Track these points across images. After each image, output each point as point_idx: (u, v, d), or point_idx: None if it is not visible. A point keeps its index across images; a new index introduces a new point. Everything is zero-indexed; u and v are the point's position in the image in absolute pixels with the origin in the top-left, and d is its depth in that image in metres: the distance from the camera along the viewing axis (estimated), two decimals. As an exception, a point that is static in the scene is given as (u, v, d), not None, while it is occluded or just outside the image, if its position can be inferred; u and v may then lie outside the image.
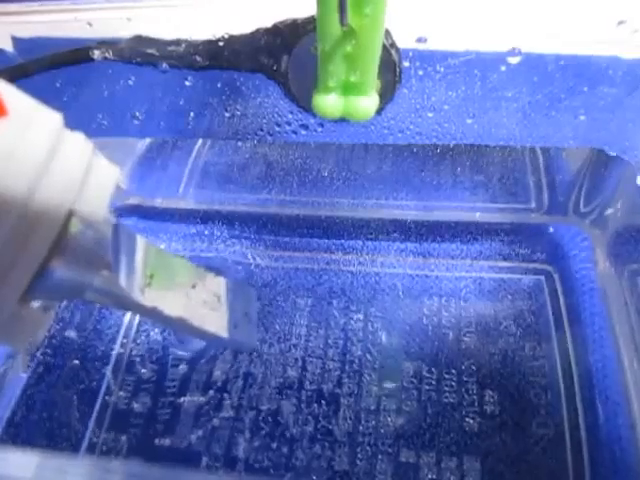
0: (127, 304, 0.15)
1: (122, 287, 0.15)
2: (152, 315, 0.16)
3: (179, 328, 0.17)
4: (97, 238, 0.14)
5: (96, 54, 0.22)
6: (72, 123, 0.13)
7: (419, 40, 0.21)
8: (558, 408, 0.27)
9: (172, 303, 0.16)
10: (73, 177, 0.13)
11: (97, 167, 0.14)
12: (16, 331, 0.13)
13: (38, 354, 0.32)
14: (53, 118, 0.13)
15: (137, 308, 0.16)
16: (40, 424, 0.29)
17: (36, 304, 0.14)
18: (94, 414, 0.29)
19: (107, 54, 0.22)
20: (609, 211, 0.31)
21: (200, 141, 0.41)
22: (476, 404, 0.27)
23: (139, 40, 0.21)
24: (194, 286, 0.18)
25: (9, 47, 0.23)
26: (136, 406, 0.29)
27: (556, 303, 0.31)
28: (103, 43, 0.21)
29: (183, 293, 0.17)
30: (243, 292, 0.20)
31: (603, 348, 0.28)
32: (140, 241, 0.17)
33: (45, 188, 0.12)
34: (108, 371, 0.31)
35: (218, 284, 0.19)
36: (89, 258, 0.14)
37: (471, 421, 0.27)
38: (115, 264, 0.14)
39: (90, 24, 0.21)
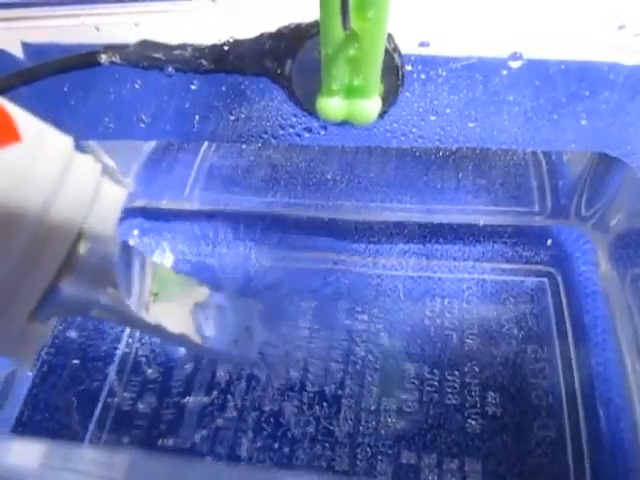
0: (132, 321, 0.16)
1: (127, 304, 0.15)
2: (156, 331, 0.16)
3: (182, 344, 0.17)
4: (105, 257, 0.14)
5: (103, 58, 0.22)
6: (80, 126, 0.14)
7: (422, 44, 0.21)
8: (560, 411, 0.27)
9: (175, 320, 0.17)
10: (82, 198, 0.13)
11: (105, 188, 0.14)
12: (23, 346, 0.14)
13: (43, 354, 0.32)
14: (63, 141, 0.13)
15: (141, 325, 0.16)
16: (45, 423, 0.30)
17: (43, 320, 0.14)
18: (97, 414, 0.29)
19: (114, 58, 0.22)
20: (611, 214, 0.31)
21: (206, 144, 0.41)
22: (478, 406, 0.27)
23: (146, 44, 0.22)
24: (197, 303, 0.18)
25: (19, 53, 0.23)
26: (140, 406, 0.29)
27: (558, 305, 0.31)
28: (110, 47, 0.22)
29: (186, 310, 0.18)
30: (245, 307, 0.20)
31: (605, 351, 0.28)
32: (146, 260, 0.17)
33: (56, 209, 0.12)
34: (112, 371, 0.31)
35: (220, 301, 0.19)
36: (96, 276, 0.14)
37: (473, 423, 0.27)
38: (121, 282, 0.15)
39: (98, 29, 0.22)
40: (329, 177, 0.37)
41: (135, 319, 0.16)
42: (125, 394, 0.30)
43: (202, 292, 0.19)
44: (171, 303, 0.17)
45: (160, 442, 0.28)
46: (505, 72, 0.22)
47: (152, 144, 0.41)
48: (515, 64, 0.22)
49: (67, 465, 0.13)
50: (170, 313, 0.17)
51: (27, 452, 0.13)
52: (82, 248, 0.13)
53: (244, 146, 0.40)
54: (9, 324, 0.13)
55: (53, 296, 0.13)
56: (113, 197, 0.14)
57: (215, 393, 0.29)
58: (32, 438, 0.13)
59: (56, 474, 0.13)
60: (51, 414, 0.30)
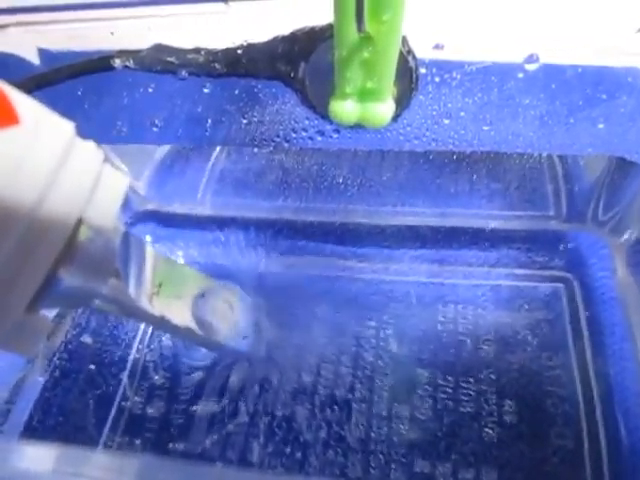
0: (135, 312, 0.15)
1: (130, 295, 0.15)
2: (160, 324, 0.16)
3: (187, 337, 0.17)
4: (106, 246, 0.14)
5: (117, 62, 0.22)
6: (93, 130, 0.14)
7: (436, 47, 0.21)
8: (577, 419, 0.27)
9: (180, 312, 0.17)
10: (83, 185, 0.13)
11: (107, 176, 0.14)
12: (24, 339, 0.13)
13: (55, 359, 0.32)
14: (64, 127, 0.13)
15: (145, 317, 0.16)
16: (56, 428, 0.30)
17: (43, 312, 0.14)
18: (109, 419, 0.29)
19: (128, 62, 0.22)
20: (629, 219, 0.31)
21: (218, 148, 0.41)
22: (494, 414, 0.27)
23: (159, 49, 0.22)
24: (203, 296, 0.18)
25: (35, 59, 0.24)
26: (151, 411, 0.29)
27: (574, 312, 0.30)
28: (124, 52, 0.22)
29: (192, 303, 0.17)
30: (253, 303, 0.20)
31: (623, 359, 0.27)
32: (149, 250, 0.17)
33: (55, 196, 0.12)
34: (124, 376, 0.31)
35: (227, 294, 0.19)
36: (97, 266, 0.14)
37: (488, 431, 0.26)
38: (123, 272, 0.15)
39: (112, 33, 0.22)
40: (341, 181, 0.37)
41: (139, 311, 0.15)
42: (136, 399, 0.30)
43: (209, 285, 0.19)
44: (176, 295, 0.17)
45: (171, 446, 0.28)
46: (521, 75, 0.22)
47: (164, 149, 0.41)
48: (531, 67, 0.22)
49: (78, 470, 0.13)
50: (175, 305, 0.17)
51: (39, 457, 0.13)
52: (82, 237, 0.13)
53: (255, 150, 0.40)
54: (7, 314, 0.12)
55: (53, 286, 0.13)
56: (114, 185, 0.14)
57: (226, 398, 0.29)
58: (43, 443, 0.13)
59: (67, 479, 0.13)
60: (61, 419, 0.30)
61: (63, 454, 0.13)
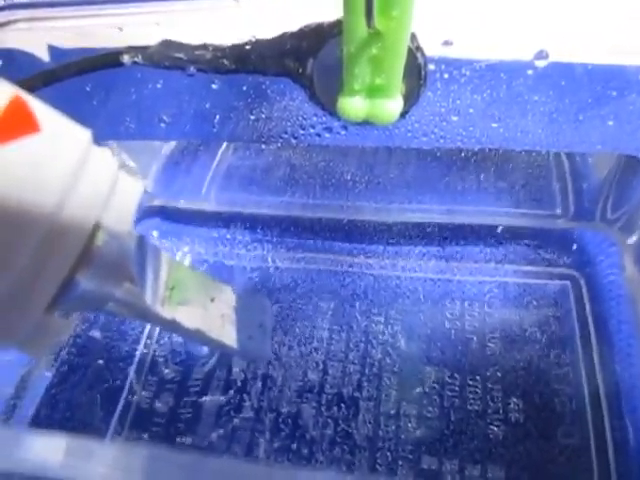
0: (147, 316, 0.16)
1: (144, 299, 0.15)
2: (171, 327, 0.16)
3: (197, 340, 0.17)
4: (121, 251, 0.14)
5: (125, 58, 0.22)
6: (101, 126, 0.14)
7: (445, 43, 0.21)
8: (584, 417, 0.26)
9: (191, 315, 0.17)
10: (100, 191, 0.13)
11: (122, 182, 0.14)
12: (39, 340, 0.14)
13: (63, 354, 0.32)
14: (82, 134, 0.13)
15: (157, 320, 0.16)
16: (63, 423, 0.30)
17: (59, 314, 0.14)
18: (117, 413, 0.30)
19: (136, 58, 0.22)
20: (637, 217, 0.31)
21: (224, 145, 0.41)
22: (501, 411, 0.27)
23: (167, 44, 0.22)
24: (212, 299, 0.18)
25: (44, 56, 0.24)
26: (158, 406, 0.30)
27: (582, 309, 0.30)
28: (132, 48, 0.22)
29: (201, 306, 0.17)
30: (258, 304, 0.20)
31: (630, 357, 0.27)
32: (162, 255, 0.17)
33: (72, 202, 0.12)
34: (131, 371, 0.31)
35: (235, 297, 0.19)
36: (113, 270, 0.14)
37: (495, 429, 0.26)
38: (138, 276, 0.15)
39: (120, 29, 0.22)
40: (348, 178, 0.37)
41: (151, 314, 0.16)
42: (144, 393, 0.30)
43: (218, 288, 0.19)
44: (187, 299, 0.17)
45: (179, 440, 0.28)
46: (530, 72, 0.22)
47: (171, 145, 0.41)
48: (541, 63, 0.21)
49: (87, 460, 0.13)
50: (186, 309, 0.17)
51: (48, 447, 0.13)
52: (98, 241, 0.13)
53: (262, 147, 0.40)
54: (26, 316, 0.12)
55: (69, 290, 0.13)
56: (130, 191, 0.14)
57: (232, 393, 0.29)
58: (53, 433, 0.13)
59: (76, 469, 0.13)
60: (68, 413, 0.30)
61: (72, 444, 0.13)
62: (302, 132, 0.24)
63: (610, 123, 0.24)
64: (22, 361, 0.31)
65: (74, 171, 0.12)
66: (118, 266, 0.14)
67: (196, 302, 0.18)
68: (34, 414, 0.30)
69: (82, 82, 0.24)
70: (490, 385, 0.28)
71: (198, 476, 0.13)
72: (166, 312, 0.16)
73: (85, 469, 0.13)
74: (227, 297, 0.19)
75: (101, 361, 0.32)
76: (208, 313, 0.18)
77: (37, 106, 0.12)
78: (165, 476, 0.13)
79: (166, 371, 0.31)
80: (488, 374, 0.28)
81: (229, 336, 0.18)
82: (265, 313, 0.20)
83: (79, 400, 0.30)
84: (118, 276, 0.14)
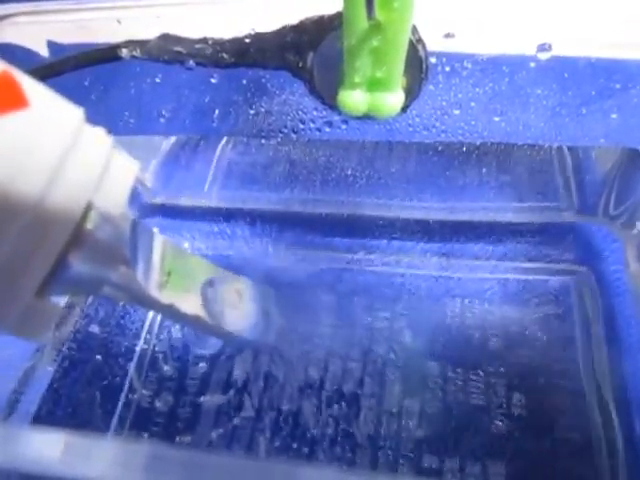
0: (144, 301, 0.15)
1: (139, 283, 0.15)
2: (169, 312, 0.16)
3: (196, 326, 0.17)
4: (115, 233, 0.14)
5: (124, 52, 0.22)
6: (100, 121, 0.14)
7: (447, 36, 0.20)
8: (588, 414, 0.26)
9: (189, 301, 0.16)
10: (92, 171, 0.13)
11: (116, 162, 0.14)
12: (32, 325, 0.13)
13: (64, 349, 0.32)
14: (74, 112, 0.13)
15: (154, 305, 0.16)
16: (65, 419, 0.30)
17: (53, 298, 0.14)
18: (117, 410, 0.30)
19: (135, 52, 0.22)
20: (641, 212, 0.30)
21: (224, 140, 0.41)
22: (503, 407, 0.27)
23: (167, 38, 0.22)
24: (212, 284, 0.18)
25: (43, 51, 0.23)
26: (158, 404, 0.29)
27: (585, 306, 0.30)
28: (131, 42, 0.22)
29: (201, 291, 0.17)
30: (262, 292, 0.20)
31: (638, 353, 0.27)
32: (158, 238, 0.17)
33: (63, 181, 0.12)
34: (131, 368, 0.31)
35: (236, 283, 0.19)
36: (107, 253, 0.14)
37: (498, 424, 0.26)
38: (133, 260, 0.15)
39: (119, 22, 0.22)
40: (349, 173, 0.37)
41: (148, 299, 0.15)
42: (144, 391, 0.30)
43: (217, 273, 0.19)
44: (185, 284, 0.17)
45: (179, 439, 0.28)
46: (533, 65, 0.22)
47: (170, 140, 0.41)
48: (544, 56, 0.21)
49: (86, 457, 0.13)
50: (184, 294, 0.17)
51: (47, 443, 0.13)
52: (90, 223, 0.13)
53: (262, 142, 0.40)
54: (16, 299, 0.12)
55: (62, 272, 0.13)
56: (125, 171, 0.14)
57: (233, 391, 0.29)
58: (52, 429, 0.13)
59: (75, 465, 0.13)
60: (71, 410, 0.30)
61: (71, 441, 0.13)
62: (302, 127, 0.24)
63: (614, 116, 0.23)
64: (25, 356, 0.31)
65: (65, 149, 0.12)
66: (112, 249, 0.14)
67: (195, 287, 0.17)
68: (36, 410, 0.30)
69: (80, 77, 0.23)
70: (492, 380, 0.28)
71: (199, 473, 0.13)
72: (164, 297, 0.16)
73: (85, 466, 0.13)
74: (228, 282, 0.19)
75: (102, 357, 0.32)
76: (208, 299, 0.18)
77: (27, 82, 0.12)
78: (166, 473, 0.13)
79: (167, 368, 0.31)
80: (490, 370, 0.28)
81: (230, 323, 0.18)
82: (269, 301, 0.20)
83: (82, 395, 0.30)
84: (112, 259, 0.14)
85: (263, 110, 0.24)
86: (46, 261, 0.12)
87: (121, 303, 0.33)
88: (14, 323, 0.13)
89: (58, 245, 0.12)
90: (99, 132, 0.13)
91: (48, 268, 0.12)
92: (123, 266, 0.14)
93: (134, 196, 0.38)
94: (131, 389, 0.30)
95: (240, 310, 0.18)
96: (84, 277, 0.13)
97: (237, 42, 0.21)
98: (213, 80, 0.23)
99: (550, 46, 0.21)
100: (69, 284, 0.13)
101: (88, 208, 0.13)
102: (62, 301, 0.33)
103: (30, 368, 0.31)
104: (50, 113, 0.12)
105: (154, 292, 0.15)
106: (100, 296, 0.14)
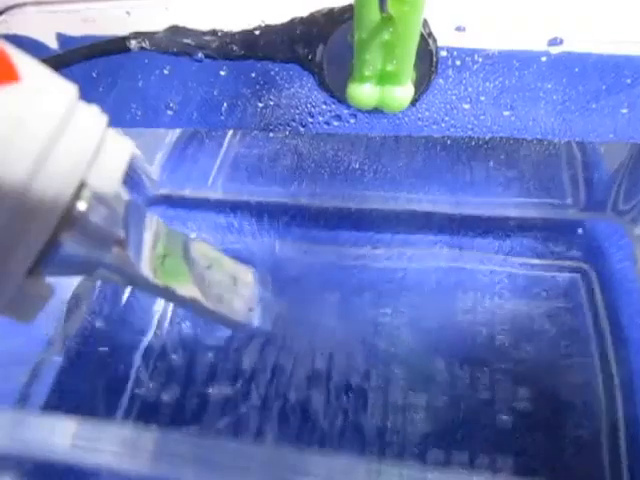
0: (140, 283, 0.15)
1: (133, 264, 0.14)
2: (165, 295, 0.16)
3: (193, 310, 0.17)
4: (109, 213, 0.13)
5: (133, 44, 0.22)
6: (107, 113, 0.13)
7: (458, 29, 0.20)
8: (596, 409, 0.26)
9: (186, 283, 0.16)
10: (85, 149, 0.12)
11: (110, 140, 0.13)
12: (23, 305, 0.13)
13: (71, 342, 0.32)
14: (67, 88, 0.12)
15: (150, 287, 0.15)
16: (72, 411, 0.30)
17: (46, 278, 0.13)
18: (124, 403, 0.30)
19: (144, 44, 0.22)
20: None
21: (230, 133, 0.41)
22: (510, 402, 0.27)
23: (175, 30, 0.22)
24: (209, 267, 0.18)
25: (52, 43, 0.23)
26: (164, 395, 0.30)
27: (593, 302, 0.30)
28: (140, 33, 0.22)
29: (197, 274, 0.17)
30: (259, 276, 0.19)
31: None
32: (153, 220, 0.16)
33: (55, 158, 0.12)
34: (138, 360, 0.31)
35: (234, 267, 0.19)
36: (100, 233, 0.13)
37: (506, 418, 0.26)
38: (127, 241, 0.14)
39: (128, 13, 0.22)
40: (356, 167, 0.37)
41: (143, 281, 0.15)
42: (151, 383, 0.30)
43: (215, 257, 0.19)
44: (181, 266, 0.17)
45: (185, 430, 0.28)
46: (544, 59, 0.22)
47: (177, 133, 0.41)
48: (555, 50, 0.21)
49: (96, 442, 0.13)
50: (180, 276, 0.16)
51: (58, 429, 0.13)
52: (84, 202, 0.12)
53: (269, 135, 0.40)
54: (7, 278, 0.12)
55: (54, 251, 0.12)
56: (118, 150, 0.14)
57: (241, 382, 0.29)
58: (62, 416, 0.13)
59: (85, 451, 0.13)
60: (79, 401, 0.30)
61: (81, 426, 0.13)
62: (311, 120, 0.24)
63: (623, 111, 0.23)
64: (35, 349, 0.31)
65: (57, 126, 0.12)
66: (105, 229, 0.13)
67: (192, 270, 0.17)
68: (45, 401, 0.30)
69: (89, 68, 0.23)
70: (499, 376, 0.28)
71: (207, 457, 0.13)
72: (159, 279, 0.15)
73: (94, 451, 0.13)
74: (226, 266, 0.19)
75: (110, 349, 0.32)
76: (205, 282, 0.17)
77: (18, 56, 0.12)
78: (173, 457, 0.13)
79: (173, 357, 0.31)
80: (498, 365, 0.28)
81: (227, 306, 0.18)
82: (266, 286, 0.20)
83: (88, 388, 0.30)
84: (106, 240, 0.14)
85: (272, 103, 0.24)
86: (37, 240, 0.12)
87: (128, 296, 0.33)
88: (4, 302, 0.12)
89: (49, 224, 0.12)
90: (93, 109, 0.13)
91: (39, 248, 0.12)
92: (117, 247, 0.14)
93: (140, 188, 0.38)
94: (137, 381, 0.30)
95: (237, 294, 0.18)
96: (77, 258, 0.13)
97: (246, 34, 0.21)
98: (222, 72, 0.23)
99: (562, 40, 0.21)
100: (62, 265, 0.13)
101: (81, 187, 0.12)
102: (68, 294, 0.33)
103: (40, 362, 0.31)
104: (42, 88, 0.12)
105: (149, 274, 0.15)
106: (95, 278, 0.14)
